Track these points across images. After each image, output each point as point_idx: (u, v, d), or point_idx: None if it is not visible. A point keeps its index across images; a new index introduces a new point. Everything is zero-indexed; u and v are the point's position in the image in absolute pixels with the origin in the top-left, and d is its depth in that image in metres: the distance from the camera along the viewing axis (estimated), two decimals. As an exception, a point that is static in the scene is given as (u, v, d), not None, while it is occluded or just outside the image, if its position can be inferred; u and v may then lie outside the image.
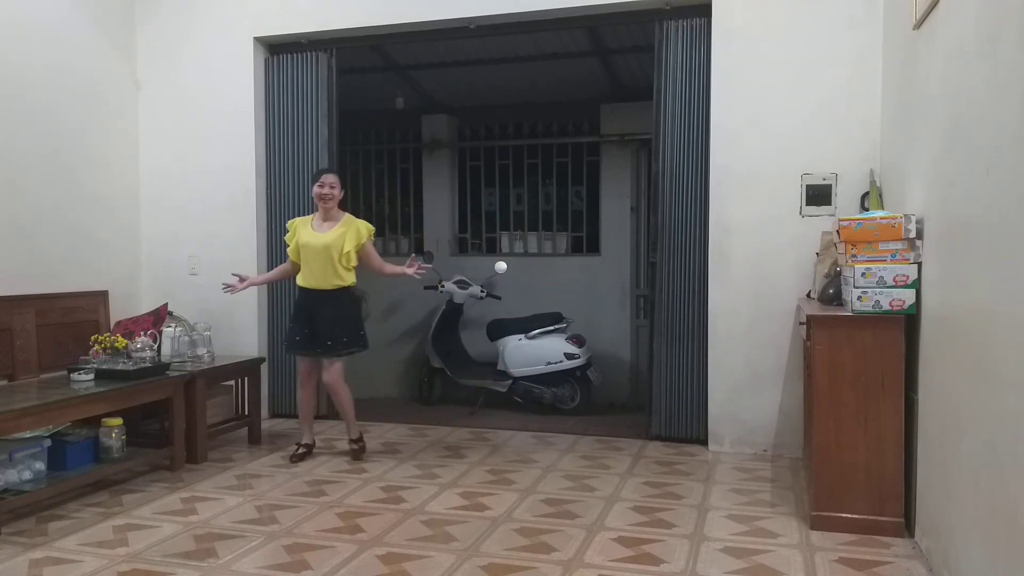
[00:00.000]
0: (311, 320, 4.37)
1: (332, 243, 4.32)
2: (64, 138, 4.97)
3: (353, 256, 4.38)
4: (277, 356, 5.56)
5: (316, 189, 4.37)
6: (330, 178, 4.40)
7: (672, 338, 4.82)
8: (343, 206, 4.57)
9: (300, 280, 4.42)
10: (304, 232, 4.40)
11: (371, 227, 4.49)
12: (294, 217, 5.58)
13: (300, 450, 4.51)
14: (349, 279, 4.40)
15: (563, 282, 6.76)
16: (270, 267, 5.56)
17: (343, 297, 4.42)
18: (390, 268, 4.61)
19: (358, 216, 4.59)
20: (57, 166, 4.92)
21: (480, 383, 6.07)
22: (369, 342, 4.58)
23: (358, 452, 4.56)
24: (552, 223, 7.08)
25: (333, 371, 4.43)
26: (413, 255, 4.65)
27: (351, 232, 4.37)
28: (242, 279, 4.56)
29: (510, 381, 5.96)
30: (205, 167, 5.53)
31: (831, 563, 3.00)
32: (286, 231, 4.61)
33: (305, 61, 5.44)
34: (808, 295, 4.27)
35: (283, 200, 5.54)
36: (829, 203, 4.45)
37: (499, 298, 6.33)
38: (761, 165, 4.54)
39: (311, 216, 4.51)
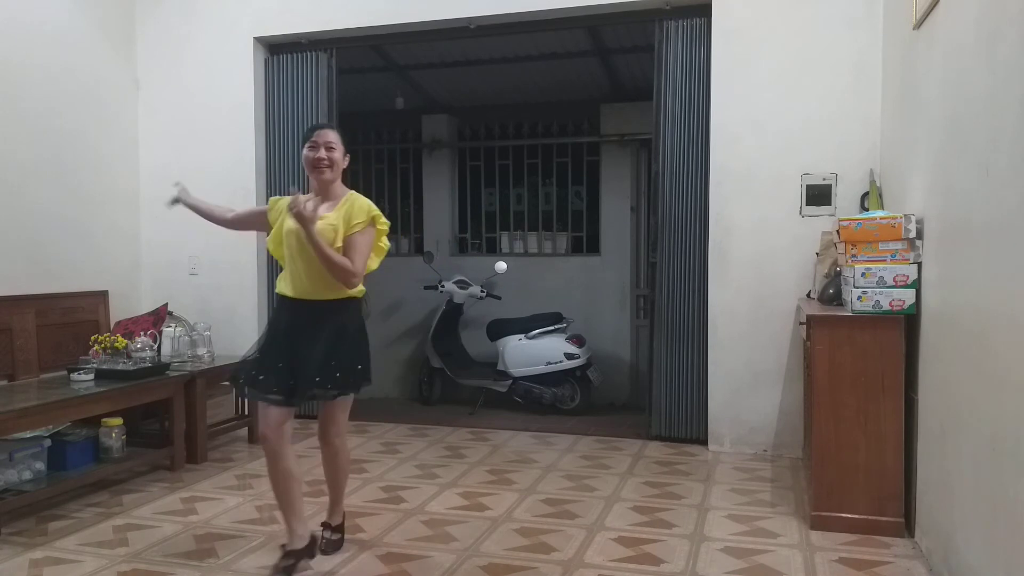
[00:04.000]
0: (297, 345, 2.86)
1: (325, 232, 2.81)
2: (64, 138, 4.97)
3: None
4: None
5: (307, 152, 2.90)
6: (327, 135, 2.91)
7: (672, 338, 4.82)
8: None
9: (282, 286, 2.95)
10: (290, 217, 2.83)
11: (375, 210, 2.93)
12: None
13: (288, 562, 2.83)
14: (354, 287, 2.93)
15: (563, 282, 6.76)
16: (270, 269, 5.56)
17: (349, 311, 2.95)
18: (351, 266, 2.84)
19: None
20: (57, 166, 4.92)
21: (480, 383, 6.08)
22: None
23: (335, 544, 3.14)
24: (552, 223, 7.08)
25: (341, 421, 3.02)
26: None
27: (344, 214, 2.87)
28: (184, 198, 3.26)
29: (510, 381, 5.96)
30: (205, 167, 5.52)
31: (831, 563, 3.00)
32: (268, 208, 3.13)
33: (305, 61, 5.44)
34: (808, 295, 4.27)
35: (283, 200, 5.53)
36: (829, 203, 4.45)
37: (499, 298, 6.34)
38: (761, 165, 4.54)
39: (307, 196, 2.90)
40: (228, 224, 3.31)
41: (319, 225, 2.77)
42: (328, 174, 2.88)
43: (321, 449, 3.07)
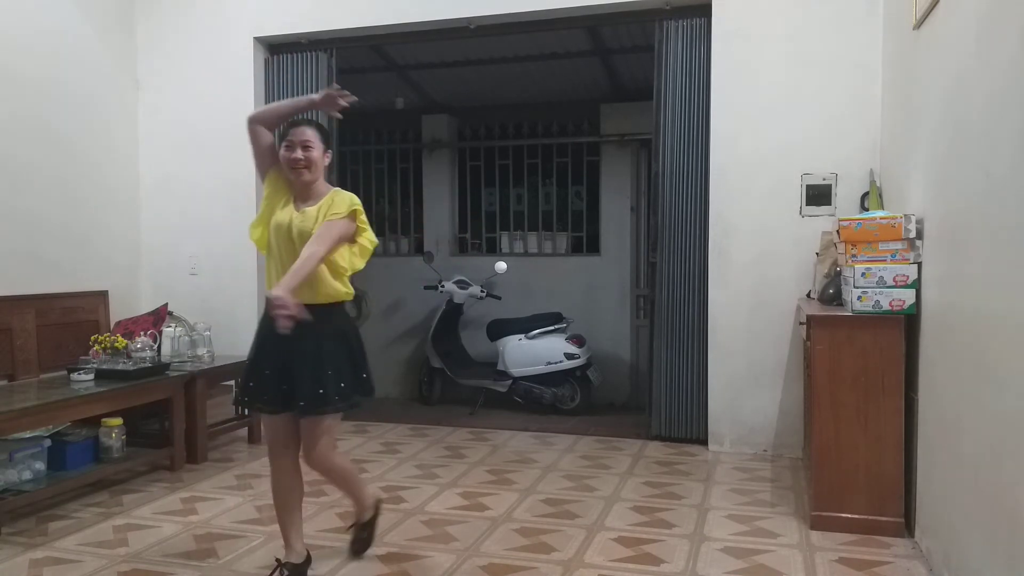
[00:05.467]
0: (286, 354, 2.70)
1: (304, 227, 2.70)
2: (64, 138, 4.97)
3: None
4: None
5: (283, 152, 2.74)
6: (304, 133, 2.74)
7: (672, 338, 4.82)
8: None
9: (269, 288, 2.72)
10: (282, 205, 2.79)
11: (357, 205, 2.77)
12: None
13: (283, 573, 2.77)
14: (339, 288, 2.75)
15: (563, 282, 6.76)
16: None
17: (339, 315, 2.83)
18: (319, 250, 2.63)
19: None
20: (57, 166, 4.92)
21: (480, 383, 6.07)
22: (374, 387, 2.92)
23: (361, 543, 3.11)
24: (552, 223, 7.09)
25: (324, 440, 2.79)
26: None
27: (323, 208, 2.72)
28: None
29: (510, 381, 5.96)
30: (205, 167, 5.53)
31: (831, 563, 3.00)
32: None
33: (305, 61, 5.44)
34: (808, 295, 4.27)
35: (283, 200, 5.53)
36: (829, 203, 4.45)
37: (499, 298, 6.34)
38: (761, 165, 4.54)
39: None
40: (255, 132, 2.83)
41: (299, 220, 2.71)
42: (306, 175, 2.74)
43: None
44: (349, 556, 3.05)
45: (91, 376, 4.00)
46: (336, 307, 2.79)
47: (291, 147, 2.72)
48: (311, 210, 2.72)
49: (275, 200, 2.81)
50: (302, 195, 2.78)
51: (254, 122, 2.85)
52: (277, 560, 2.80)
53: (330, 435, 2.82)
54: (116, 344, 4.27)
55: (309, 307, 2.61)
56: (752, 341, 4.59)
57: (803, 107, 4.47)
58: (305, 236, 2.66)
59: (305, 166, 2.72)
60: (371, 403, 2.93)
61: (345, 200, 2.74)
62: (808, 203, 4.49)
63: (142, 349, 4.25)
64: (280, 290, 2.48)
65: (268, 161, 2.83)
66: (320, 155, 2.76)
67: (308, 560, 2.86)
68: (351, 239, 2.77)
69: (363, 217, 2.80)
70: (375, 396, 2.92)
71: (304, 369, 2.68)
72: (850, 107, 4.38)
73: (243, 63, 5.44)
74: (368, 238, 2.83)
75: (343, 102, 2.82)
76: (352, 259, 2.79)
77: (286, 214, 2.75)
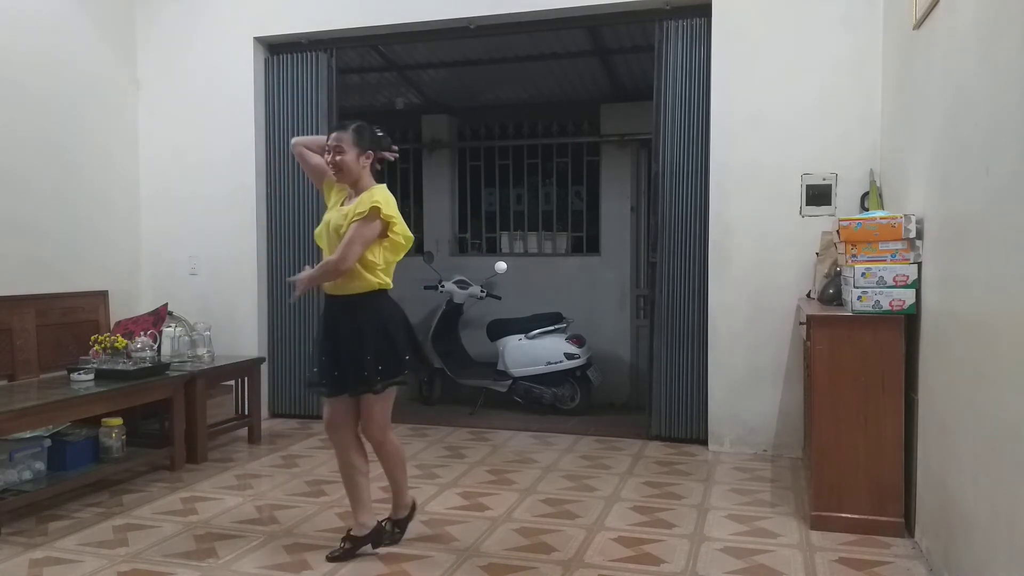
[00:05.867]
0: (335, 342, 3.00)
1: (338, 224, 2.97)
2: (64, 138, 4.97)
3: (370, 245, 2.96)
4: (277, 356, 5.55)
5: (324, 157, 3.06)
6: (337, 137, 3.01)
7: (672, 338, 4.82)
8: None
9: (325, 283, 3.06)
10: (332, 205, 3.12)
11: (378, 200, 2.91)
12: (293, 219, 5.61)
13: (345, 545, 3.07)
14: (372, 280, 2.97)
15: (563, 282, 6.77)
16: (270, 268, 5.57)
17: (376, 303, 3.01)
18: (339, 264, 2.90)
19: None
20: (57, 166, 4.92)
21: (480, 383, 6.07)
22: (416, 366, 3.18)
23: (391, 537, 3.21)
24: (552, 223, 7.09)
25: (378, 416, 3.05)
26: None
27: (355, 206, 2.95)
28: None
29: (510, 381, 5.96)
30: (205, 167, 5.53)
31: (831, 563, 3.00)
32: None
33: (305, 61, 5.44)
34: (808, 295, 4.27)
35: (282, 200, 5.53)
36: (829, 203, 4.45)
37: (499, 298, 6.34)
38: (761, 165, 4.54)
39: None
40: (301, 153, 3.24)
41: (336, 218, 2.99)
42: (341, 176, 3.01)
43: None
44: (372, 546, 3.11)
45: (91, 376, 4.00)
46: (372, 296, 3.00)
47: (327, 152, 3.02)
48: (346, 208, 2.99)
49: (331, 203, 3.12)
50: (350, 193, 3.07)
51: (299, 145, 3.24)
52: (348, 531, 3.11)
53: (384, 411, 3.07)
54: (116, 344, 4.27)
55: (349, 297, 2.98)
56: (752, 341, 4.59)
57: (803, 107, 4.46)
58: (340, 232, 2.93)
59: (337, 169, 3.00)
60: (414, 380, 3.20)
61: (367, 199, 2.94)
62: (808, 203, 4.49)
63: (142, 349, 4.25)
64: (305, 274, 2.97)
65: (318, 176, 3.18)
66: (353, 158, 3.00)
67: (376, 531, 3.11)
68: (383, 234, 2.95)
69: (388, 212, 2.94)
70: (423, 372, 3.21)
71: (349, 354, 2.96)
72: (850, 107, 4.38)
73: (243, 63, 5.44)
74: (400, 233, 3.00)
75: (388, 155, 3.21)
76: (384, 254, 3.00)
77: (332, 213, 3.05)
